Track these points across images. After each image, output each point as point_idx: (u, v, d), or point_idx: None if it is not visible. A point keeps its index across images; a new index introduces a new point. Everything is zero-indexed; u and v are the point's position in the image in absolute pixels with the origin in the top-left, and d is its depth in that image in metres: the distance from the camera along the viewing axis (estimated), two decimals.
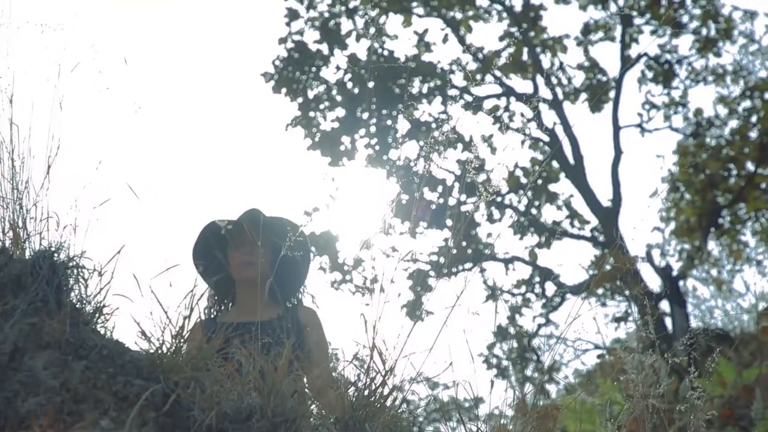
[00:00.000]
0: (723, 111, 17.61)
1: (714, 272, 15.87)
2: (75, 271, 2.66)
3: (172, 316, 2.76)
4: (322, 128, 16.62)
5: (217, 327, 4.13)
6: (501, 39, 17.19)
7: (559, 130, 16.70)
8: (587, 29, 17.39)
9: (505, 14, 17.14)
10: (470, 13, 17.05)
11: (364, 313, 3.11)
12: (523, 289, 17.09)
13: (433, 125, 16.23)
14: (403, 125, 16.55)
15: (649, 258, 16.35)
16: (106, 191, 3.09)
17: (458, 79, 16.95)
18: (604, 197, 16.47)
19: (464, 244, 16.39)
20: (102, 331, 2.62)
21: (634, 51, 17.50)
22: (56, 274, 2.58)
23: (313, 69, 16.66)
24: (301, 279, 4.43)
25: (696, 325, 13.22)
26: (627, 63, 17.29)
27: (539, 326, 17.06)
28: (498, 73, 16.90)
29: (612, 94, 17.28)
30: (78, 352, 2.40)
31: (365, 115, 16.38)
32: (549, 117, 16.88)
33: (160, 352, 2.53)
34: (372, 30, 16.81)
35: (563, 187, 19.65)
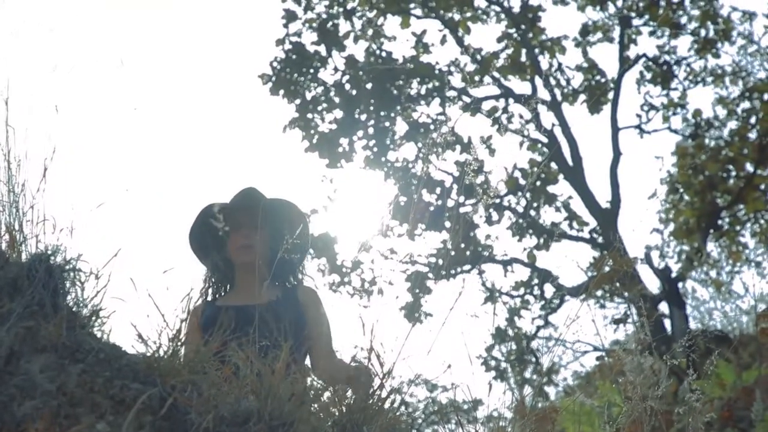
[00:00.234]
0: (722, 112, 17.64)
1: (713, 274, 15.89)
2: (71, 274, 2.65)
3: (169, 320, 2.75)
4: (320, 130, 16.63)
5: (215, 310, 4.13)
6: (499, 40, 17.19)
7: (558, 132, 16.73)
8: (586, 30, 17.40)
9: (503, 15, 17.15)
10: (468, 14, 17.05)
11: (363, 315, 3.09)
12: (521, 290, 17.09)
13: (432, 127, 16.24)
14: (401, 127, 16.57)
15: (648, 259, 16.36)
16: (103, 194, 3.08)
17: (456, 80, 16.98)
18: (603, 199, 16.50)
19: (463, 245, 16.39)
20: (99, 335, 2.62)
21: (632, 52, 17.54)
22: (53, 277, 2.57)
23: (311, 71, 16.67)
24: (300, 258, 4.36)
25: (695, 326, 13.22)
26: (625, 64, 17.31)
27: (538, 328, 17.08)
28: (496, 75, 16.91)
29: (611, 95, 17.31)
30: (74, 356, 2.40)
31: (363, 117, 16.40)
32: (547, 118, 16.93)
33: (157, 355, 2.52)
34: (370, 31, 16.82)
35: (562, 188, 19.69)
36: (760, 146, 16.67)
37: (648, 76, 17.70)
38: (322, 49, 16.76)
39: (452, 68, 16.90)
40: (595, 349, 15.14)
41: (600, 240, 16.67)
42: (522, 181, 16.83)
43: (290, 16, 16.77)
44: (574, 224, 17.08)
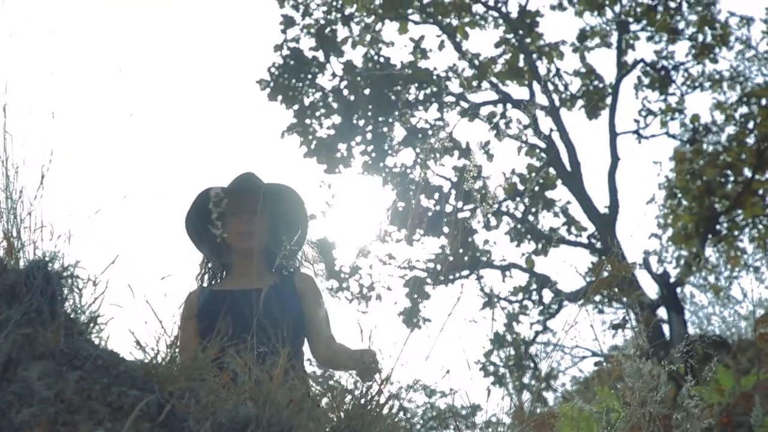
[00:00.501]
0: (720, 117, 17.66)
1: (711, 279, 15.91)
2: (69, 280, 2.65)
3: (166, 326, 2.75)
4: (318, 135, 16.64)
5: (212, 296, 4.09)
6: (497, 45, 17.21)
7: (556, 137, 16.73)
8: (583, 35, 17.42)
9: (501, 21, 17.17)
10: (466, 19, 17.07)
11: (361, 321, 3.08)
12: (520, 296, 17.10)
13: (430, 132, 16.25)
14: (399, 132, 16.58)
15: (646, 265, 16.38)
16: (101, 200, 3.08)
17: (454, 85, 16.99)
18: (602, 204, 16.50)
19: (461, 251, 16.39)
20: (96, 341, 2.61)
21: (630, 57, 17.57)
22: (50, 284, 2.57)
23: (309, 76, 16.68)
24: (299, 244, 4.27)
25: (694, 331, 13.23)
26: (623, 69, 17.33)
27: (536, 333, 17.09)
28: (494, 80, 16.92)
29: (609, 100, 17.33)
30: (72, 363, 2.39)
31: (361, 123, 16.40)
32: (546, 123, 16.93)
33: (155, 362, 2.52)
34: (368, 37, 16.83)
35: (560, 193, 19.71)
36: (758, 151, 16.69)
37: (646, 81, 17.72)
38: (320, 55, 16.79)
39: (450, 74, 16.91)
40: (594, 354, 15.16)
41: (598, 245, 16.68)
42: (520, 187, 16.84)
43: (288, 22, 16.79)
44: (573, 229, 17.09)
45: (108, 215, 3.06)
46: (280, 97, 16.57)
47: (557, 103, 17.22)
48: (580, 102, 17.48)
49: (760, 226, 17.78)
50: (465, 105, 16.69)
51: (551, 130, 16.71)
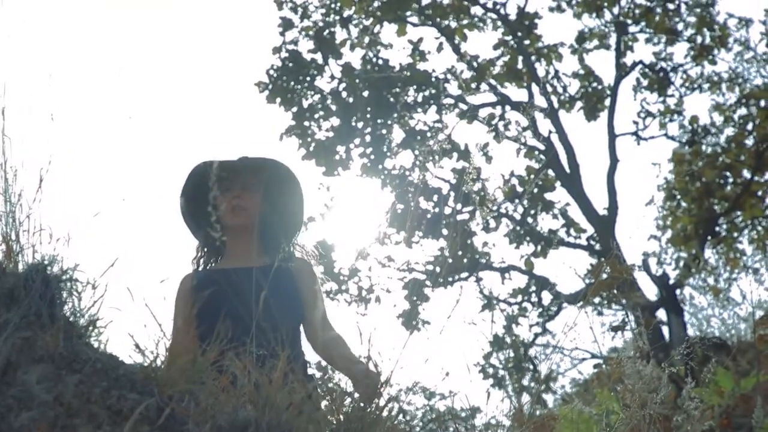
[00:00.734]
0: (719, 119, 17.64)
1: (711, 280, 15.88)
2: (68, 284, 2.65)
3: (166, 329, 2.75)
4: (316, 138, 16.63)
5: (207, 274, 3.98)
6: (496, 47, 17.21)
7: (555, 139, 16.73)
8: (582, 37, 17.42)
9: (499, 23, 17.18)
10: (465, 21, 17.08)
11: (360, 324, 3.07)
12: (519, 298, 17.09)
13: (428, 134, 16.26)
14: (398, 134, 16.58)
15: (645, 266, 16.37)
16: (100, 203, 3.07)
17: (453, 87, 16.98)
18: (601, 206, 16.50)
19: (460, 253, 16.38)
20: (96, 345, 2.61)
21: (629, 59, 17.56)
22: (49, 287, 2.57)
23: (308, 78, 16.68)
24: (296, 225, 4.20)
25: (693, 333, 13.22)
26: (622, 71, 17.34)
27: (536, 335, 17.07)
28: (493, 82, 16.92)
29: (607, 102, 17.33)
30: (72, 366, 2.39)
31: (360, 125, 16.40)
32: (544, 125, 16.93)
33: (154, 365, 2.52)
34: (366, 39, 16.84)
35: (559, 195, 19.69)
36: (757, 153, 16.68)
37: (645, 83, 17.71)
38: (318, 57, 16.78)
39: (449, 76, 16.91)
40: (593, 356, 15.15)
41: (597, 247, 16.68)
42: (519, 189, 16.85)
43: (287, 24, 16.79)
44: (572, 231, 17.08)
45: (107, 218, 3.05)
46: (278, 100, 16.56)
47: (556, 104, 17.23)
48: (579, 104, 17.48)
49: (760, 228, 17.78)
50: (464, 107, 16.68)
51: (550, 131, 16.72)
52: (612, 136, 16.93)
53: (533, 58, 17.16)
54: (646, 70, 17.67)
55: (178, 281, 4.03)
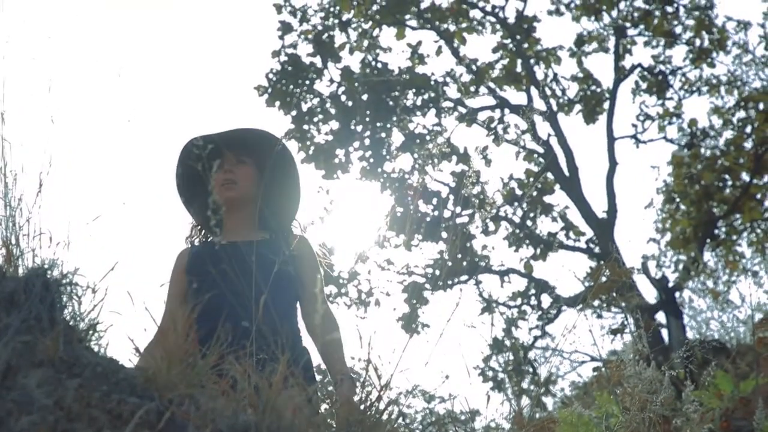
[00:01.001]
0: (717, 121, 17.66)
1: (710, 283, 15.89)
2: (68, 288, 2.64)
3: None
4: (316, 141, 16.64)
5: (202, 251, 3.88)
6: (495, 51, 17.23)
7: (554, 142, 16.74)
8: (581, 40, 17.44)
9: (498, 26, 17.19)
10: (464, 25, 17.08)
11: (360, 327, 3.06)
12: (518, 301, 17.09)
13: (428, 137, 16.26)
14: (397, 138, 16.58)
15: (644, 269, 16.36)
16: (100, 207, 3.07)
17: (452, 91, 17.01)
18: (600, 209, 16.51)
19: (459, 256, 16.38)
20: (96, 349, 2.61)
21: (628, 62, 17.58)
22: (49, 291, 2.56)
23: (307, 82, 16.68)
24: (293, 204, 4.10)
25: (692, 336, 13.23)
26: (621, 74, 17.35)
27: (535, 338, 17.07)
28: (492, 85, 16.93)
29: (606, 105, 17.34)
30: (72, 370, 2.39)
31: (359, 128, 16.40)
32: (543, 128, 16.95)
33: (154, 369, 2.51)
34: (365, 43, 16.85)
35: (558, 198, 19.71)
36: (756, 155, 16.68)
37: (643, 85, 17.74)
38: (317, 61, 16.79)
39: (448, 79, 16.93)
40: (593, 359, 15.15)
41: (597, 250, 16.68)
42: (518, 192, 16.86)
43: (286, 28, 16.80)
44: (571, 234, 17.09)
45: (107, 222, 3.05)
46: (278, 103, 16.57)
47: (555, 108, 17.24)
48: (578, 107, 17.50)
49: (759, 231, 17.78)
50: (463, 110, 16.70)
51: (549, 135, 16.73)
52: (611, 139, 16.94)
53: (532, 61, 17.17)
54: (645, 73, 17.69)
55: (175, 256, 4.00)
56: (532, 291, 17.05)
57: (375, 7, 16.75)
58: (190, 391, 2.44)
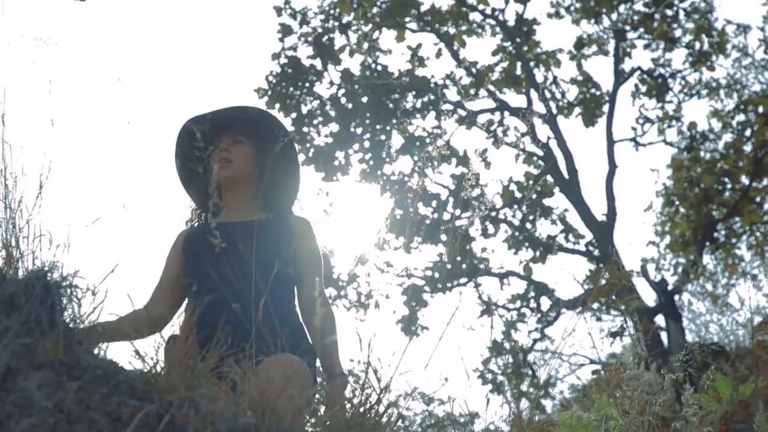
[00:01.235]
0: (717, 125, 17.66)
1: (709, 286, 15.88)
2: (68, 290, 2.64)
3: (165, 335, 2.75)
4: (315, 143, 16.63)
5: (199, 231, 3.83)
6: (494, 53, 17.23)
7: (554, 145, 16.73)
8: (580, 43, 17.44)
9: (498, 29, 17.18)
10: (463, 27, 17.08)
11: (359, 329, 3.06)
12: (518, 303, 17.08)
13: (427, 140, 16.26)
14: (397, 140, 16.57)
15: (644, 272, 16.36)
16: (99, 209, 3.08)
17: (452, 93, 17.00)
18: (599, 211, 16.51)
19: (459, 259, 16.38)
20: (96, 351, 2.61)
21: (627, 65, 17.57)
22: (49, 293, 2.56)
23: (307, 84, 16.68)
24: (294, 185, 4.07)
25: (691, 339, 13.22)
26: (621, 77, 17.35)
27: (534, 341, 17.05)
28: (492, 88, 16.93)
29: (606, 108, 17.34)
30: (71, 373, 2.39)
31: (359, 131, 16.40)
32: (543, 131, 16.95)
33: (154, 371, 2.52)
34: (365, 45, 16.85)
35: (558, 201, 19.71)
36: (756, 159, 16.69)
37: (643, 89, 17.73)
38: (317, 63, 16.79)
39: (447, 82, 16.92)
40: (592, 362, 15.13)
41: (596, 253, 16.67)
42: (518, 194, 16.85)
43: (286, 31, 16.80)
44: (570, 237, 17.08)
45: (107, 224, 3.06)
46: (278, 106, 16.56)
47: (554, 110, 17.23)
48: (578, 110, 17.50)
49: (758, 234, 17.78)
50: (462, 113, 16.69)
51: (549, 137, 16.73)
52: (610, 142, 16.93)
53: (532, 64, 17.17)
54: (645, 76, 17.69)
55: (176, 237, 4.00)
56: (532, 294, 17.04)
57: (375, 10, 16.75)
58: (189, 393, 2.45)
